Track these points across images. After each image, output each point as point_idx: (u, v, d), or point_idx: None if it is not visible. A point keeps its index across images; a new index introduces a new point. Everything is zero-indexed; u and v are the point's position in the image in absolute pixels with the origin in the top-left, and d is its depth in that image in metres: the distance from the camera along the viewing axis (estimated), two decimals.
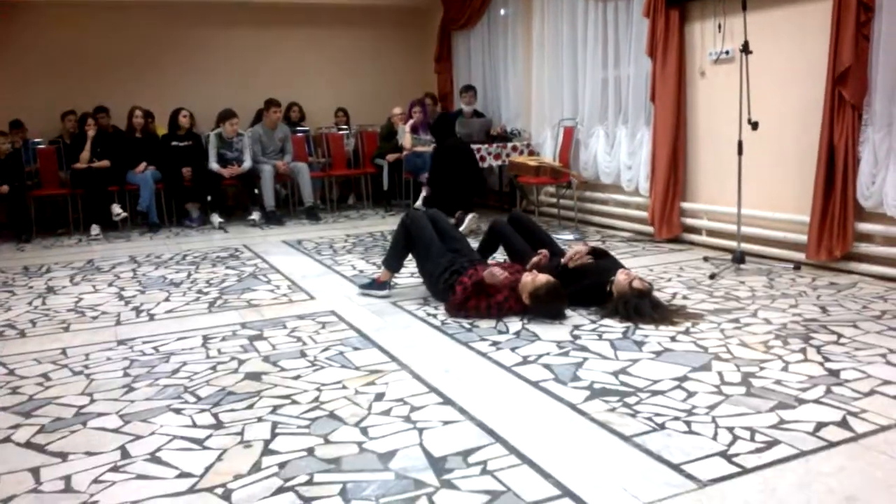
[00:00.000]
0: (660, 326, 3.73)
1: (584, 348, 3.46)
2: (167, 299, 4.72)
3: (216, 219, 7.69)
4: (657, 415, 2.68)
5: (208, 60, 9.14)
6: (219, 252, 6.31)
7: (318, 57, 9.66)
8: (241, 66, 9.26)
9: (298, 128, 8.90)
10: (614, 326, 3.78)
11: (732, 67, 5.15)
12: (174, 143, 7.77)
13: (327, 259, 5.85)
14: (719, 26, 5.44)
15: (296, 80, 9.37)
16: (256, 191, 7.89)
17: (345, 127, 9.21)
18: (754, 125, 4.61)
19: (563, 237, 6.34)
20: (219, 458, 2.47)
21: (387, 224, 7.57)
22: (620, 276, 4.05)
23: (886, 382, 2.90)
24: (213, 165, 7.68)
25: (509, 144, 7.49)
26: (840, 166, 4.56)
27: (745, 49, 4.63)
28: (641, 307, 3.88)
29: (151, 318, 4.31)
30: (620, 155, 6.56)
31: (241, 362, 3.44)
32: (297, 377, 3.22)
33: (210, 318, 4.23)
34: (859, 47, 4.43)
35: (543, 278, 3.91)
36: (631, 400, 2.83)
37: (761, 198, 5.20)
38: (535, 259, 4.25)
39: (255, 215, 7.80)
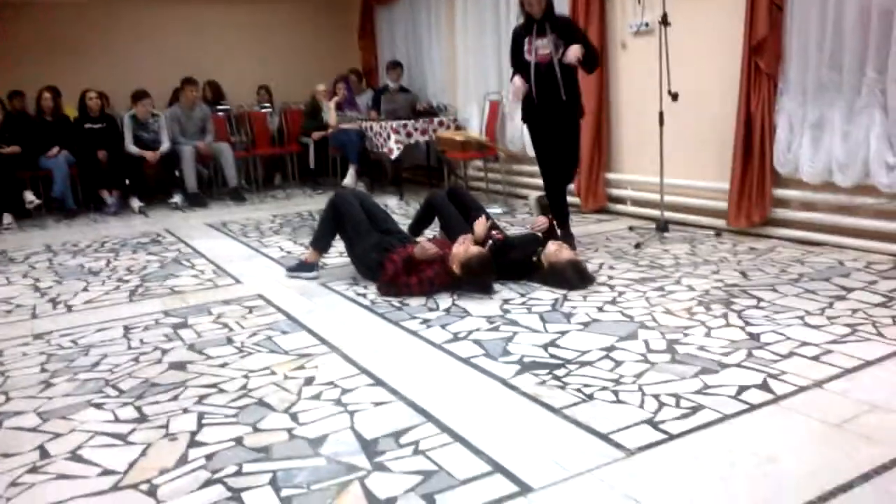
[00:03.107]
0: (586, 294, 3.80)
1: (513, 322, 3.48)
2: (85, 289, 4.54)
3: (135, 203, 7.43)
4: (586, 385, 2.72)
5: (125, 39, 8.81)
6: (139, 238, 6.10)
7: (239, 33, 9.39)
8: (159, 43, 8.94)
9: (219, 107, 8.64)
10: (543, 299, 3.81)
11: (652, 39, 5.20)
12: (87, 125, 7.44)
13: (254, 241, 5.72)
14: None
15: (216, 57, 9.09)
16: (177, 173, 7.64)
17: (267, 105, 8.98)
18: (674, 96, 4.68)
19: (491, 211, 6.33)
20: (143, 454, 2.38)
21: (315, 203, 7.45)
22: (552, 247, 4.08)
23: (804, 344, 3.00)
24: (131, 148, 7.39)
25: (436, 119, 7.44)
26: (757, 135, 4.68)
27: (664, 21, 4.69)
28: (571, 277, 3.93)
29: (69, 309, 4.13)
30: None
31: (164, 352, 3.34)
32: (223, 365, 3.14)
33: (131, 308, 4.09)
34: (773, 18, 4.53)
35: (475, 249, 3.91)
36: (560, 372, 2.85)
37: (683, 167, 5.31)
38: (477, 229, 4.25)
39: (177, 198, 7.57)
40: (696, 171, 5.27)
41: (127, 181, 7.47)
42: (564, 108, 4.64)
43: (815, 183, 4.49)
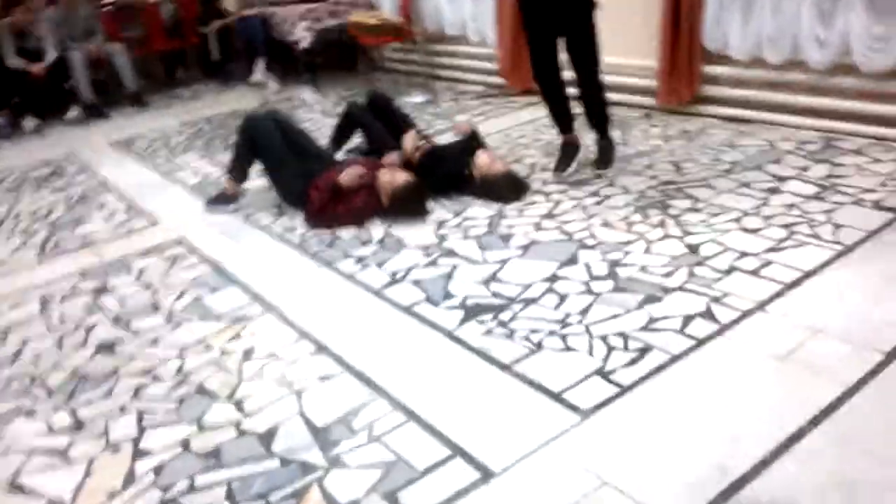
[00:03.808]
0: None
1: (451, 252, 3.38)
2: None
3: (29, 123, 6.84)
4: (533, 331, 2.67)
5: None
6: (40, 168, 5.65)
7: None
8: None
9: (104, 0, 7.84)
10: (478, 218, 3.70)
11: None
12: None
13: (164, 164, 5.35)
14: None
15: None
16: (69, 85, 7.01)
17: None
18: None
19: (413, 100, 6.08)
20: (87, 474, 2.27)
21: (224, 103, 7.00)
22: (484, 158, 3.93)
23: (743, 255, 2.99)
24: (13, 61, 6.68)
25: (345, 0, 6.92)
26: (685, 9, 4.48)
27: None
28: (506, 191, 3.82)
29: None
30: (464, 3, 6.19)
31: (88, 330, 3.14)
32: (154, 341, 2.98)
33: (44, 270, 3.81)
34: None
35: (402, 178, 3.73)
36: (505, 316, 2.79)
37: (611, 45, 5.05)
38: (406, 145, 4.06)
39: (74, 112, 6.99)
40: (623, 48, 5.04)
41: (15, 99, 6.83)
42: None
43: (744, 59, 4.36)
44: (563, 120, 4.08)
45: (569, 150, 4.07)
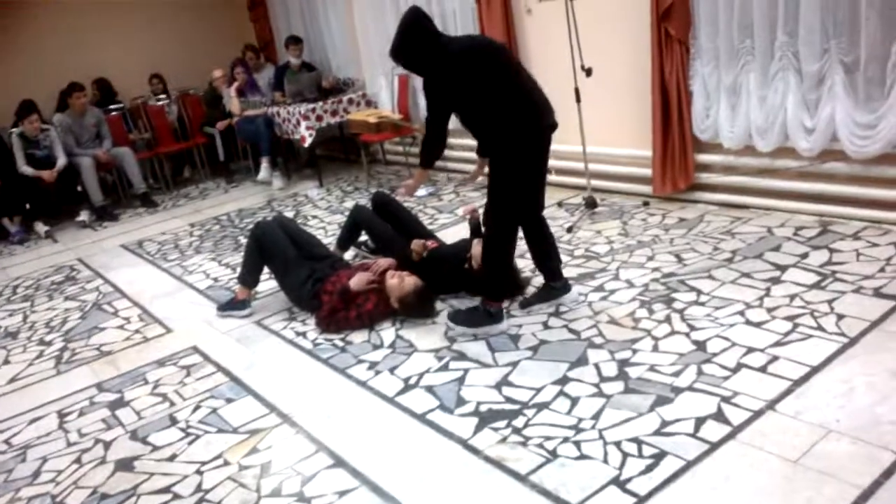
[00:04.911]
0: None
1: (461, 355, 3.43)
2: (7, 360, 4.28)
3: (41, 228, 7.00)
4: (547, 438, 2.70)
5: None
6: (52, 275, 5.76)
7: (120, 21, 8.66)
8: (36, 47, 8.21)
9: (112, 105, 8.10)
10: None
11: (558, 5, 5.04)
12: None
13: (175, 266, 5.46)
14: None
15: (99, 52, 8.44)
16: (79, 188, 7.19)
17: (162, 95, 8.46)
18: (588, 72, 4.59)
19: (416, 193, 6.22)
20: None
21: (232, 201, 7.17)
22: (477, 249, 4.00)
23: (749, 350, 3.04)
24: (25, 169, 6.87)
25: (345, 98, 7.15)
26: (674, 102, 4.64)
27: None
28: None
29: None
30: None
31: (107, 446, 3.17)
32: (172, 457, 3.01)
33: (60, 383, 3.86)
34: None
35: (410, 283, 3.81)
36: (519, 422, 2.83)
37: (604, 135, 5.24)
38: (415, 248, 4.14)
39: (84, 215, 7.14)
40: (618, 140, 5.22)
41: (27, 205, 7.01)
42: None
43: (735, 148, 4.50)
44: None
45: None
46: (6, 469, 3.14)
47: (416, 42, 3.39)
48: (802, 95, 4.11)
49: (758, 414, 2.64)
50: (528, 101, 3.36)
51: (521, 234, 3.63)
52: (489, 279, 3.60)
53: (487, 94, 3.31)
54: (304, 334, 3.93)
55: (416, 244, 4.14)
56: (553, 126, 3.46)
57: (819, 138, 4.09)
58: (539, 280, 3.88)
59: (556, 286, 3.74)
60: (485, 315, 3.59)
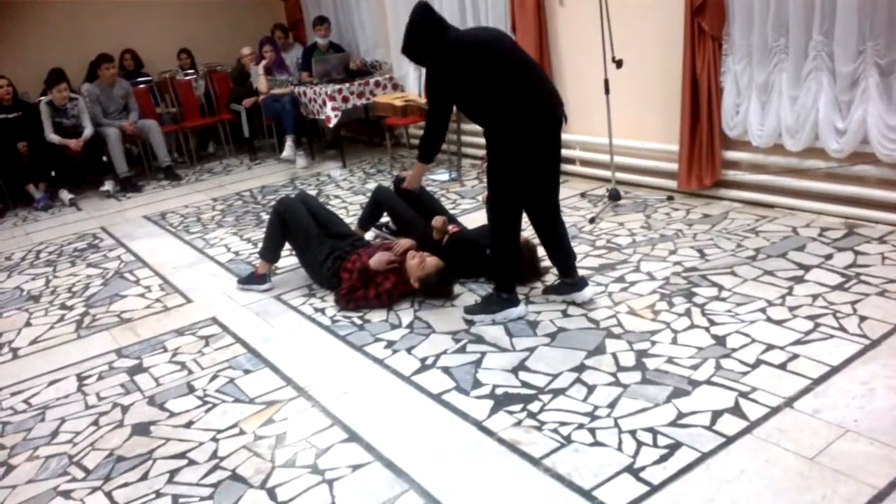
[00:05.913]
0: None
1: (479, 338, 3.43)
2: (28, 322, 4.33)
3: (65, 195, 7.07)
4: (562, 424, 2.70)
5: (28, 17, 8.12)
6: (76, 242, 5.82)
7: None
8: (64, 18, 8.24)
9: (140, 78, 8.16)
10: None
11: None
12: (1, 116, 6.96)
13: (197, 238, 5.50)
14: None
15: (127, 23, 8.49)
16: (105, 158, 7.25)
17: (190, 71, 8.50)
18: (619, 63, 4.57)
19: (438, 178, 6.24)
20: None
21: (255, 178, 7.20)
22: (437, 220, 4.04)
23: (769, 347, 3.03)
24: (52, 137, 6.93)
25: (371, 80, 7.15)
26: (704, 97, 4.60)
27: None
28: (524, 272, 3.87)
29: (15, 354, 3.94)
30: None
31: (125, 410, 3.21)
32: (188, 424, 3.04)
33: (81, 347, 3.91)
34: None
35: (431, 263, 3.81)
36: (534, 407, 2.83)
37: (631, 128, 5.22)
38: (436, 226, 4.15)
39: (108, 185, 7.20)
40: (645, 133, 5.19)
41: (53, 173, 7.07)
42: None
43: (764, 146, 4.46)
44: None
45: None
46: (25, 427, 3.19)
47: (424, 37, 3.42)
48: (835, 96, 4.06)
49: (775, 410, 2.63)
50: (531, 95, 3.34)
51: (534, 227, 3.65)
52: (497, 268, 3.62)
53: (490, 87, 3.30)
54: (322, 311, 3.96)
55: (437, 220, 4.14)
56: (559, 119, 3.44)
57: (850, 140, 4.05)
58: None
59: (567, 282, 3.72)
60: (498, 299, 3.60)
